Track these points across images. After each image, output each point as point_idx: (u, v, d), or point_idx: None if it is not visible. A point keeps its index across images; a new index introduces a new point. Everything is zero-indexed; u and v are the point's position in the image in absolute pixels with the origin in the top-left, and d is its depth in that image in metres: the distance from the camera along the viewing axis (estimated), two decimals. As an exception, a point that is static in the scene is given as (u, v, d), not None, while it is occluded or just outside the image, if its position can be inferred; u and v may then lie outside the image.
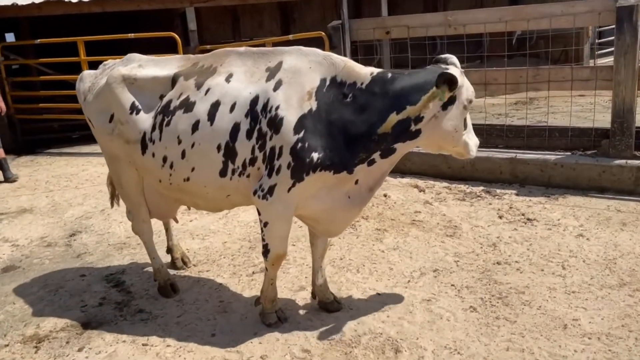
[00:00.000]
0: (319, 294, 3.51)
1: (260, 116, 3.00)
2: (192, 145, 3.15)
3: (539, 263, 4.00)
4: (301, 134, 2.93)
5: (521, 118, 7.27)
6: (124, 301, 3.79)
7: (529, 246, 4.30)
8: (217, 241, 4.74)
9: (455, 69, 3.00)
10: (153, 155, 3.30)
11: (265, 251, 3.21)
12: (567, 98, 6.87)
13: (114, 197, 4.25)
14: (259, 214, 3.15)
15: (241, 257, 4.38)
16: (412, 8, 13.19)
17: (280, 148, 2.96)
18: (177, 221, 4.19)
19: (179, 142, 3.18)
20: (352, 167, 3.03)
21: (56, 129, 10.30)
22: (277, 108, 2.96)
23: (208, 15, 13.25)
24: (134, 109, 3.38)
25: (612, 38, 13.95)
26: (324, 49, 7.31)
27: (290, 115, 2.94)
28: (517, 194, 5.55)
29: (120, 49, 8.86)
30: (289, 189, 3.01)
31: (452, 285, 3.75)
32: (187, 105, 3.18)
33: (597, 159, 5.57)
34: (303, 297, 3.67)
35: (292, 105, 2.96)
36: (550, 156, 5.77)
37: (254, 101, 3.03)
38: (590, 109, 7.11)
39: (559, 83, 5.82)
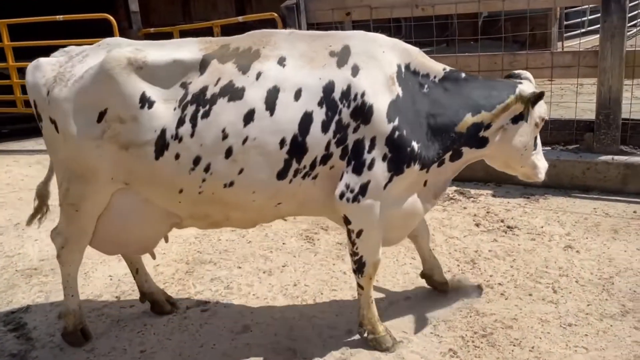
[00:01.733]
0: None
1: (340, 105, 2.60)
2: (244, 141, 2.56)
3: (526, 285, 3.42)
4: (396, 122, 2.64)
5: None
6: (21, 353, 3.01)
7: (512, 262, 3.72)
8: (148, 264, 3.89)
9: (530, 84, 2.97)
10: (177, 156, 2.59)
11: (360, 266, 2.80)
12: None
13: (37, 216, 3.27)
14: (348, 222, 2.72)
15: (175, 286, 3.64)
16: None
17: (372, 139, 2.62)
18: (154, 257, 3.23)
19: (224, 136, 2.56)
20: (430, 164, 2.78)
21: (-18, 123, 9.23)
22: (362, 95, 2.60)
23: (156, -5, 12.24)
24: (145, 101, 2.59)
25: (579, 20, 13.46)
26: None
27: (380, 102, 2.62)
28: (493, 195, 4.99)
29: (48, 33, 7.89)
30: (385, 185, 2.65)
31: (427, 318, 3.13)
32: (233, 92, 2.58)
33: (580, 154, 5.04)
34: (245, 343, 2.97)
35: (379, 91, 2.64)
36: (529, 152, 5.20)
37: (329, 88, 2.61)
38: (558, 97, 6.60)
39: (537, 70, 5.23)
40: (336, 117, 2.58)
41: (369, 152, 2.61)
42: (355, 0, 6.00)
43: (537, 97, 2.84)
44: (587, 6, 12.06)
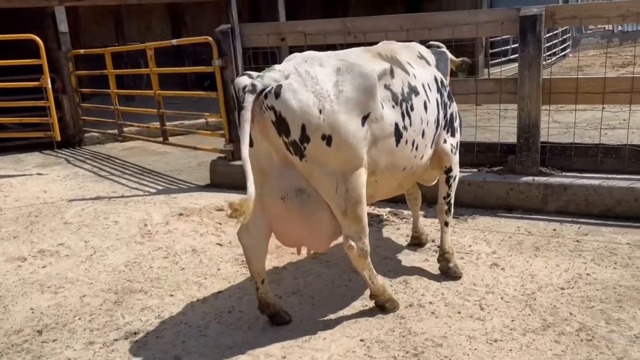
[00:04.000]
0: None
1: (443, 92, 3.73)
2: (427, 123, 3.50)
3: (455, 303, 3.53)
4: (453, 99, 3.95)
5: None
6: None
7: (442, 281, 3.84)
8: (74, 294, 3.81)
9: (446, 50, 4.28)
10: (406, 142, 3.36)
11: (450, 207, 4.03)
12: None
13: None
14: (450, 171, 3.88)
15: (102, 317, 3.49)
16: (311, 15, 12.72)
17: (456, 112, 3.94)
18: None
19: (421, 122, 3.44)
20: None
21: None
22: (447, 84, 3.90)
23: (87, 16, 11.92)
24: (381, 103, 3.22)
25: (502, 48, 14.23)
26: (212, 56, 6.55)
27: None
28: (425, 216, 5.14)
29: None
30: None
31: (362, 340, 3.16)
32: (414, 89, 3.45)
33: (504, 176, 5.31)
34: (177, 374, 2.89)
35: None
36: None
37: (436, 81, 3.70)
38: (485, 120, 6.97)
39: (463, 96, 5.50)
40: (443, 100, 3.70)
41: (456, 120, 3.88)
42: (290, 26, 6.13)
43: (468, 65, 4.42)
44: (509, 36, 12.83)
